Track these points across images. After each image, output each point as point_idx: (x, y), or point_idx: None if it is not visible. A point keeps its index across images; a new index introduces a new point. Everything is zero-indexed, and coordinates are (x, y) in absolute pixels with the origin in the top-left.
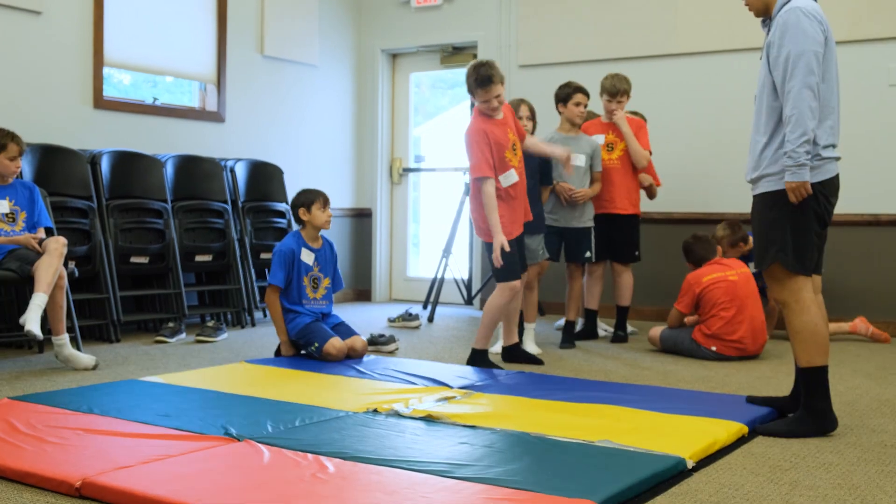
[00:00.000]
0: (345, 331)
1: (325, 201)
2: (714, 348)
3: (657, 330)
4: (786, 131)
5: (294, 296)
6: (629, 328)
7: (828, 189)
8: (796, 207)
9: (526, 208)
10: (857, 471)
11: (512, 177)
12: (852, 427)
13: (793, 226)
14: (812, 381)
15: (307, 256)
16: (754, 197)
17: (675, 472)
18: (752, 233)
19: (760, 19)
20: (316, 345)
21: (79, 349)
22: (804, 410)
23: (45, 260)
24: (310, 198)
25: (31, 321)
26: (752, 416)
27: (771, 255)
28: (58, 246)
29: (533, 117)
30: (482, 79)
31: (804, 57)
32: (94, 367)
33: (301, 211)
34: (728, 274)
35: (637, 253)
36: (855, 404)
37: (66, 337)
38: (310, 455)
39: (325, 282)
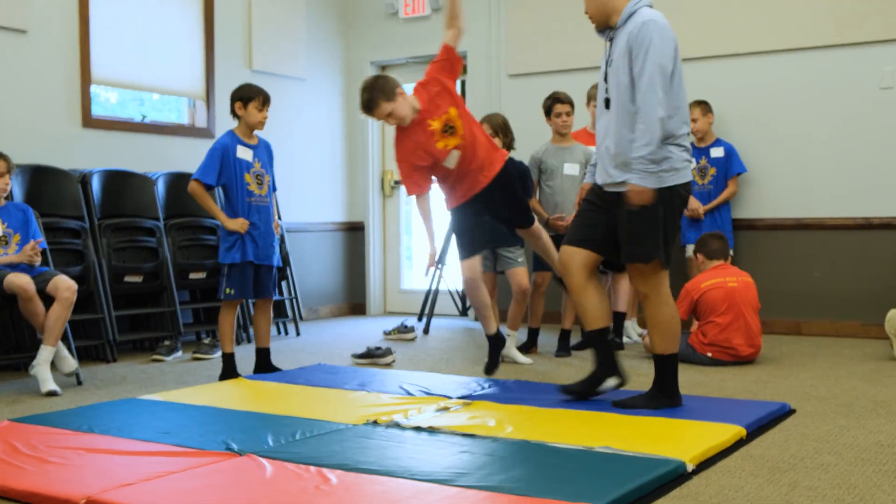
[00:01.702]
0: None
1: (265, 101)
2: (710, 354)
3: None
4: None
5: (236, 196)
6: (639, 332)
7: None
8: (671, 207)
9: (482, 166)
10: (855, 471)
11: (453, 158)
12: (849, 428)
13: (669, 224)
14: (667, 367)
15: (244, 153)
16: (620, 194)
17: (676, 476)
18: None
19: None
20: (230, 291)
21: (76, 370)
22: (657, 389)
23: (55, 310)
24: (248, 94)
25: (47, 382)
26: (749, 420)
27: (649, 250)
28: (69, 295)
29: (499, 133)
30: (363, 106)
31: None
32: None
33: (237, 105)
34: (728, 280)
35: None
36: (852, 406)
37: (55, 350)
38: (312, 468)
39: (267, 178)
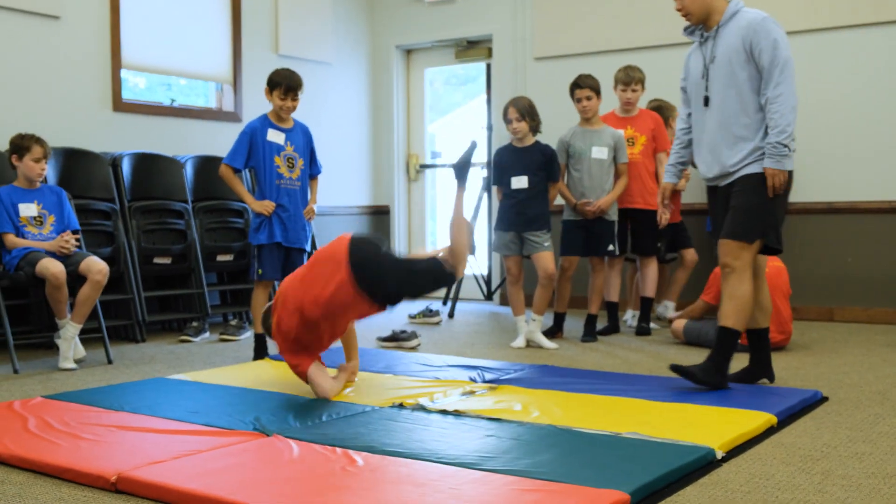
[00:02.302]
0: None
1: (287, 90)
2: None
3: (681, 323)
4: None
5: (265, 179)
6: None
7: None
8: (786, 190)
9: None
10: (890, 460)
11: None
12: (884, 416)
13: (781, 205)
14: (729, 342)
15: (275, 136)
16: (743, 177)
17: (705, 463)
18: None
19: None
20: (260, 271)
21: (106, 349)
22: (711, 365)
23: (85, 291)
24: (275, 80)
25: (67, 360)
26: (780, 407)
27: (760, 228)
28: (100, 278)
29: (525, 117)
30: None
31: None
32: (77, 364)
33: (266, 90)
34: None
35: (659, 245)
36: (887, 394)
37: (80, 327)
38: (338, 449)
39: (301, 162)
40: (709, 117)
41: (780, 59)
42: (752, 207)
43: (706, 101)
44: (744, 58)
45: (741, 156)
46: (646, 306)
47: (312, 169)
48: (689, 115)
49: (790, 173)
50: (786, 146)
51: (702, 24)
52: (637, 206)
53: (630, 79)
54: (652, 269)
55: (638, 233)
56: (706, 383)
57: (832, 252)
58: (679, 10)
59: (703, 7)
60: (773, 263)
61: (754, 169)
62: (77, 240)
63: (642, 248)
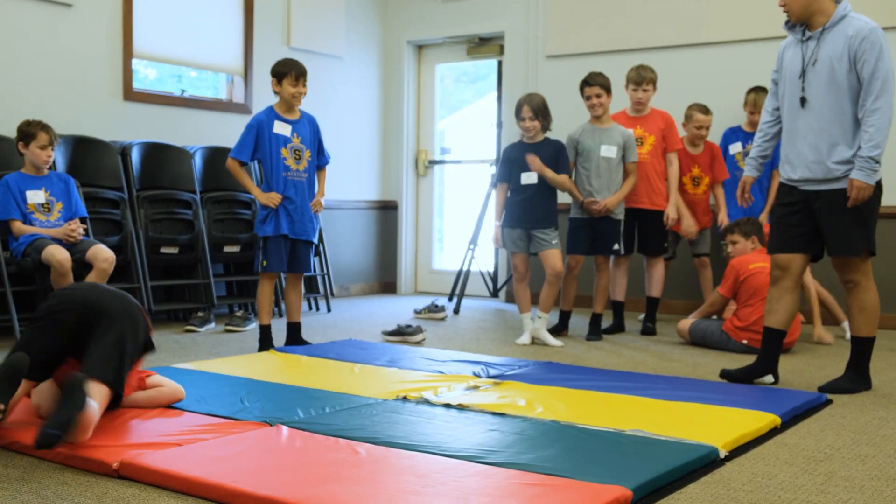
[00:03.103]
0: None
1: (298, 75)
2: (745, 341)
3: (686, 322)
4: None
5: (272, 170)
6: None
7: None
8: (878, 200)
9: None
10: (894, 462)
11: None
12: (888, 420)
13: (874, 215)
14: (867, 349)
15: (282, 128)
16: (836, 192)
17: (708, 462)
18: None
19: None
20: (265, 263)
21: None
22: (856, 372)
23: (91, 279)
24: (282, 69)
25: None
26: (784, 408)
27: (861, 243)
28: (106, 266)
29: (538, 116)
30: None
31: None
32: None
33: (273, 82)
34: None
35: (665, 245)
36: (891, 397)
37: None
38: (342, 440)
39: (307, 154)
40: (804, 119)
41: (881, 71)
42: (864, 219)
43: (802, 102)
44: (847, 66)
45: (839, 165)
46: (652, 306)
47: (320, 159)
48: (776, 108)
49: (880, 182)
50: (877, 161)
51: (804, 23)
52: (644, 207)
53: (641, 79)
54: (659, 269)
55: (645, 233)
56: (857, 390)
57: None
58: (782, 5)
59: (805, 7)
60: None
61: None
62: (84, 227)
63: (649, 249)
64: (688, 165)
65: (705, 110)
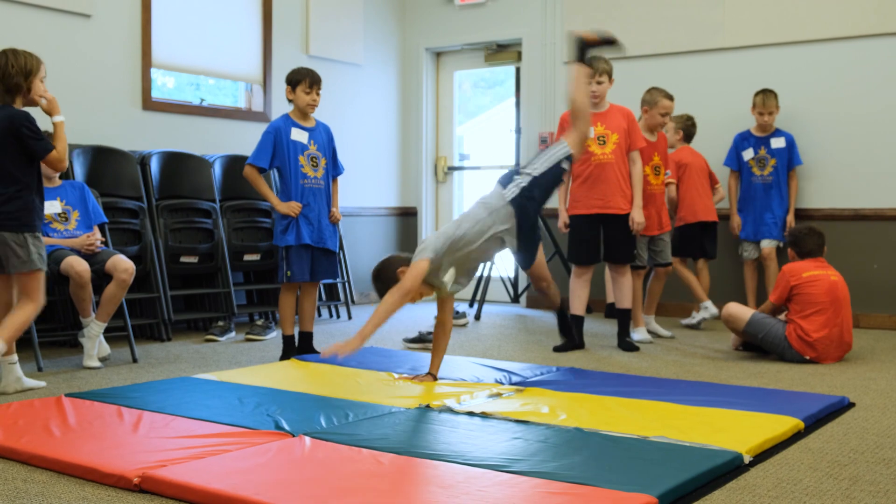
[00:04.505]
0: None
1: (312, 82)
2: (808, 357)
3: (744, 310)
4: None
5: (290, 178)
6: (666, 331)
7: None
8: None
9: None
10: None
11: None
12: None
13: None
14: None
15: (299, 135)
16: None
17: (733, 468)
18: None
19: None
20: (289, 273)
21: (132, 348)
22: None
23: (111, 290)
24: (296, 77)
25: (91, 358)
26: (807, 412)
27: None
28: (126, 277)
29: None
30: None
31: None
32: (101, 363)
33: (287, 89)
34: (830, 273)
35: (635, 252)
36: None
37: (104, 325)
38: (364, 450)
39: (324, 161)
40: None
41: None
42: None
43: None
44: None
45: None
46: (624, 319)
47: (334, 170)
48: None
49: None
50: None
51: None
52: (611, 212)
53: (595, 69)
54: (627, 278)
55: (611, 240)
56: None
57: (858, 259)
58: None
59: None
60: (839, 276)
61: None
62: (103, 240)
63: (616, 257)
64: (648, 155)
65: (670, 96)
